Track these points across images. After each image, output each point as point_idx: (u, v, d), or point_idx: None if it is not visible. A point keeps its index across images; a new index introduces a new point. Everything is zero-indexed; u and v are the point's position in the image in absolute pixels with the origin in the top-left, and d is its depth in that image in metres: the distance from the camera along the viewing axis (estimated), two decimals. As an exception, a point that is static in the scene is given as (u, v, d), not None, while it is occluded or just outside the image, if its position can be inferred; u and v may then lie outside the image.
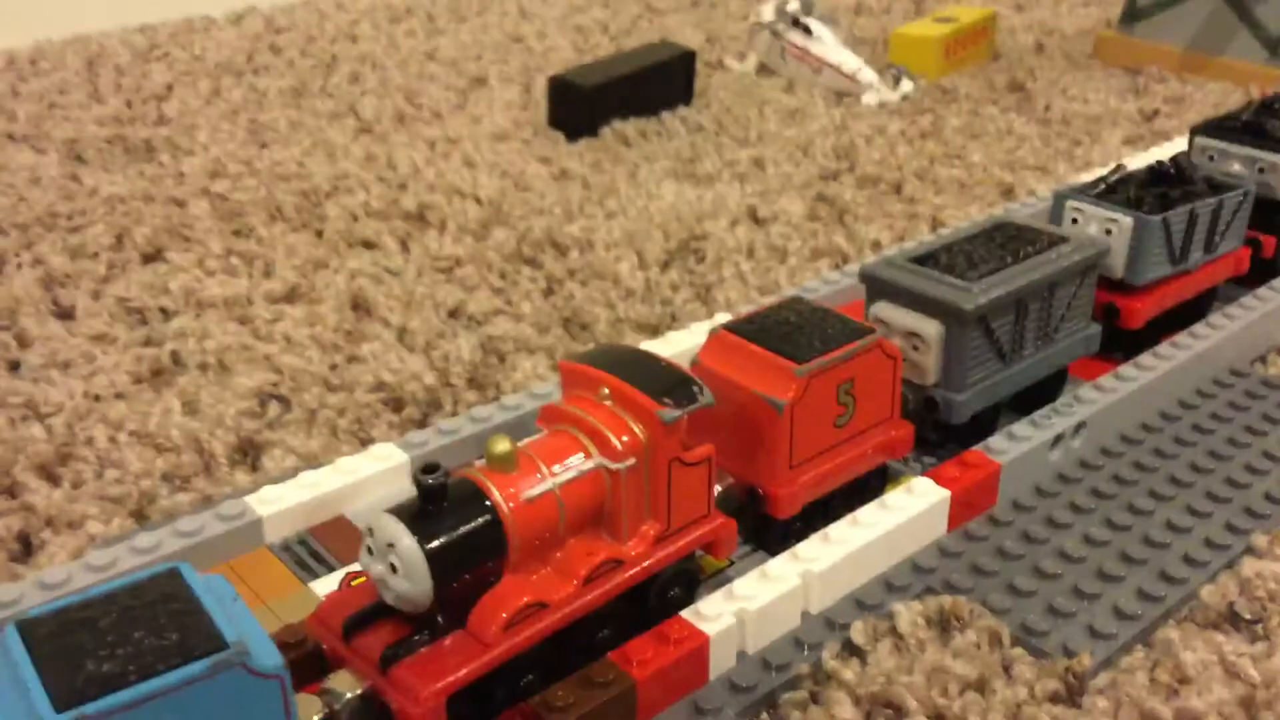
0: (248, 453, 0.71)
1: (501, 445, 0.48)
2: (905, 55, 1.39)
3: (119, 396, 0.76)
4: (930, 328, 0.63)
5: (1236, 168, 0.85)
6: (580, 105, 1.21)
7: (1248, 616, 0.56)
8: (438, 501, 0.46)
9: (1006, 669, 0.53)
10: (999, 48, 1.50)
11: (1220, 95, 1.31)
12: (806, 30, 1.37)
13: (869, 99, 1.31)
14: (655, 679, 0.49)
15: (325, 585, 0.55)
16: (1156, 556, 0.59)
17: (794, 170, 1.11)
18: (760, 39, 1.41)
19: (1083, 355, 0.71)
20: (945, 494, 0.60)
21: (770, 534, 0.58)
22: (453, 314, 0.86)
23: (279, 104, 1.30)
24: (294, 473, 0.64)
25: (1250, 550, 0.60)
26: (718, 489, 0.55)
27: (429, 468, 0.46)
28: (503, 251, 0.95)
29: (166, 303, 0.87)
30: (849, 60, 1.34)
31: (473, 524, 0.46)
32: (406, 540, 0.45)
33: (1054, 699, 0.51)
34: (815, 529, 0.57)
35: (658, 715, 0.50)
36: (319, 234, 0.99)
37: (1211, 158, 0.86)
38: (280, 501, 0.59)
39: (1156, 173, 0.78)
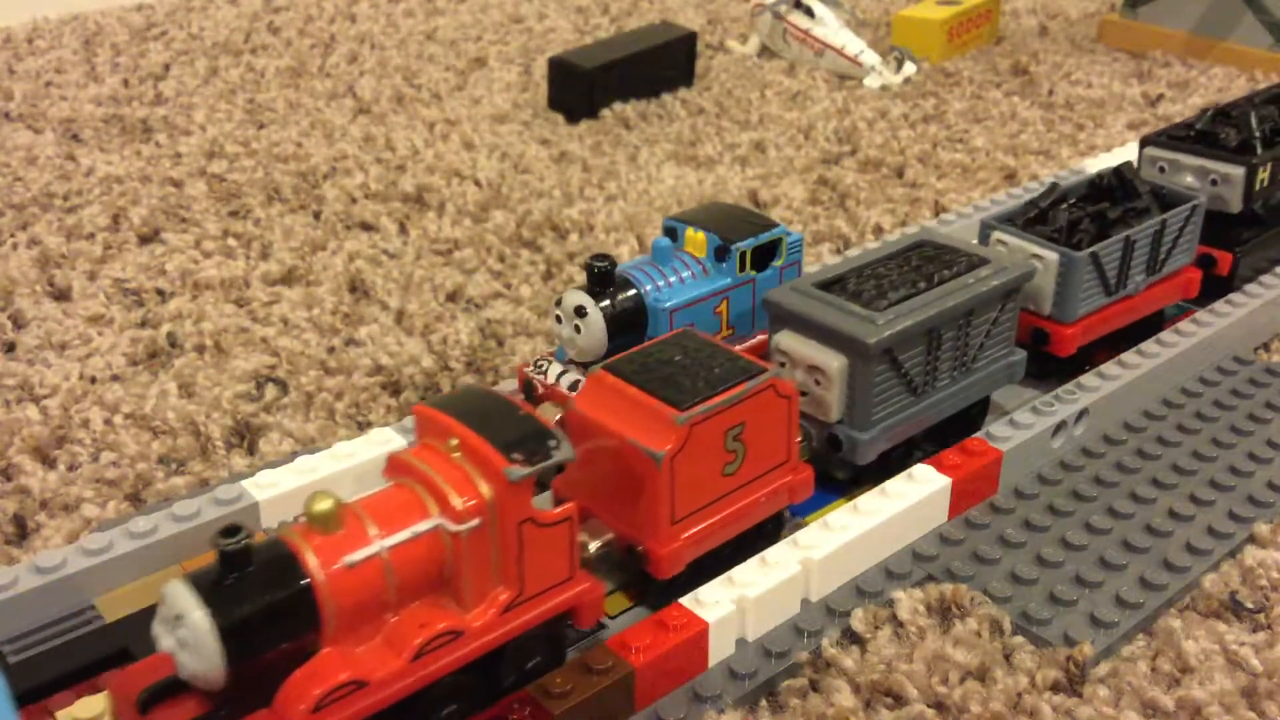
0: (244, 436, 0.70)
1: (322, 503, 0.43)
2: (908, 38, 1.38)
3: (115, 378, 0.75)
4: (832, 361, 0.58)
5: (1189, 180, 0.79)
6: (580, 87, 1.20)
7: (1250, 605, 0.56)
8: (240, 568, 0.41)
9: (1007, 657, 0.53)
10: (1002, 31, 1.50)
11: (1225, 80, 1.31)
12: (809, 12, 1.36)
13: (871, 82, 1.30)
14: (654, 666, 0.49)
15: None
16: (1158, 545, 0.59)
17: (795, 154, 1.11)
18: (762, 21, 1.40)
19: (1006, 384, 0.66)
20: (946, 481, 0.59)
21: (649, 593, 0.54)
22: (451, 297, 0.86)
23: (277, 84, 1.29)
24: (291, 456, 0.63)
25: (1253, 539, 0.60)
26: (596, 545, 0.52)
27: (229, 530, 0.41)
28: (502, 234, 0.94)
29: (163, 284, 0.87)
30: (851, 43, 1.33)
31: (278, 594, 0.41)
32: (196, 614, 0.40)
33: (1055, 688, 0.51)
34: (704, 581, 0.53)
35: (657, 702, 0.50)
36: (317, 215, 0.98)
37: (1162, 169, 0.80)
38: (277, 486, 0.59)
39: (1098, 187, 0.73)
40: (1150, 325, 0.75)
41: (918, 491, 0.58)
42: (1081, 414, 0.66)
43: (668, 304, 0.63)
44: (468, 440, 0.45)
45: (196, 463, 0.68)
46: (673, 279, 0.64)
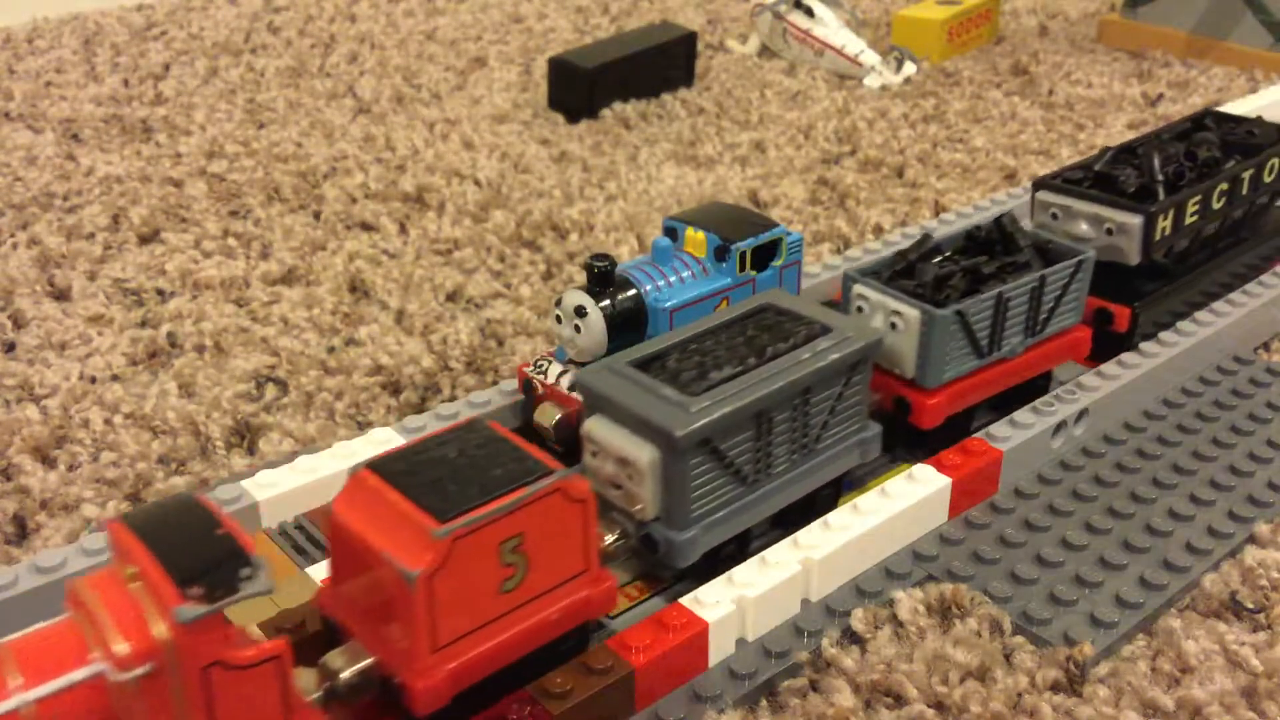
0: (244, 436, 0.70)
1: None
2: (908, 38, 1.38)
3: (115, 378, 0.75)
4: (641, 454, 0.50)
5: (1084, 228, 0.71)
6: (580, 87, 1.20)
7: (1250, 605, 0.56)
8: None
9: (1007, 657, 0.53)
10: (1002, 30, 1.50)
11: (1224, 79, 1.31)
12: (809, 12, 1.36)
13: (871, 82, 1.30)
14: (654, 665, 0.49)
15: (322, 570, 0.55)
16: (1158, 545, 0.59)
17: (795, 153, 1.11)
18: (762, 21, 1.40)
19: (860, 461, 0.59)
20: (946, 481, 0.59)
21: None
22: (451, 297, 0.86)
23: (277, 84, 1.29)
24: (291, 456, 0.63)
25: (1253, 539, 0.60)
26: (350, 673, 0.44)
27: None
28: (502, 234, 0.94)
29: (163, 284, 0.87)
30: (851, 43, 1.33)
31: None
32: None
33: (1055, 688, 0.51)
34: (485, 709, 0.47)
35: (657, 702, 0.50)
36: (317, 215, 0.98)
37: (1055, 215, 0.72)
38: (277, 486, 0.59)
39: (976, 239, 0.67)
40: (1036, 388, 0.68)
41: (918, 491, 0.58)
42: (1081, 414, 0.66)
43: (668, 304, 0.63)
44: (147, 568, 0.38)
45: (196, 463, 0.68)
46: (673, 279, 0.64)
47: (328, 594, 0.48)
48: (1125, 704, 0.50)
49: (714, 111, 1.22)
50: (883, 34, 1.47)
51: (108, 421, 0.71)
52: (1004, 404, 0.66)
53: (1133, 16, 1.43)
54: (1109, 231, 0.70)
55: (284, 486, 0.59)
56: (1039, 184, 0.74)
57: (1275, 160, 0.77)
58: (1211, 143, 0.77)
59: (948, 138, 1.15)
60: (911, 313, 0.60)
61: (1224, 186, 0.73)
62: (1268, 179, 0.78)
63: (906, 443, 0.64)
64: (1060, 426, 0.65)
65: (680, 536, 0.52)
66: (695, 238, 0.66)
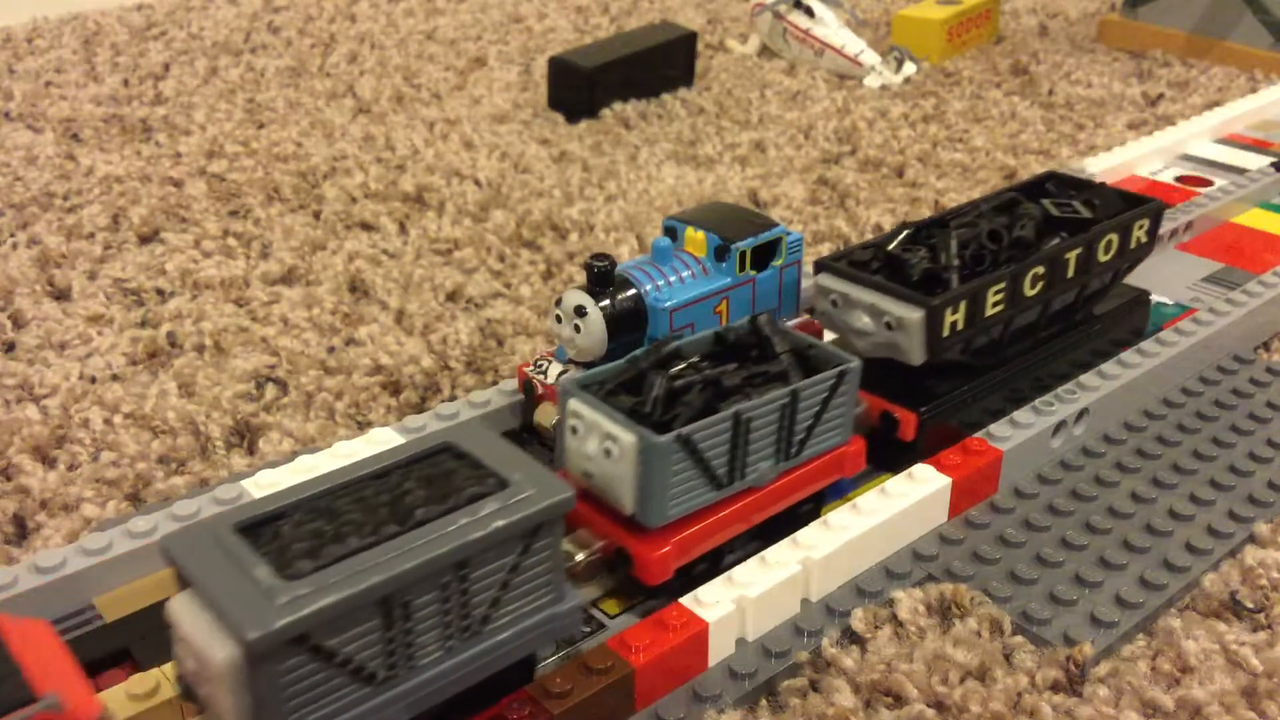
0: (244, 436, 0.70)
1: None
2: (908, 38, 1.38)
3: (115, 378, 0.75)
4: (218, 652, 0.38)
5: (865, 320, 0.61)
6: (580, 87, 1.20)
7: (1250, 605, 0.56)
8: None
9: (1007, 657, 0.53)
10: (1002, 30, 1.49)
11: (1224, 79, 1.30)
12: (809, 12, 1.36)
13: (871, 82, 1.30)
14: (654, 665, 0.49)
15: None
16: (1158, 544, 0.59)
17: (795, 153, 1.11)
18: (762, 21, 1.40)
19: (551, 640, 0.47)
20: (946, 481, 0.59)
21: None
22: (451, 297, 0.85)
23: (277, 84, 1.29)
24: (291, 456, 0.63)
25: (1253, 539, 0.60)
26: None
27: None
28: (502, 234, 0.94)
29: (163, 284, 0.87)
30: (851, 42, 1.33)
31: None
32: None
33: (1055, 687, 0.51)
34: None
35: (657, 702, 0.50)
36: (317, 215, 0.98)
37: (835, 303, 0.62)
38: (277, 486, 0.59)
39: (726, 342, 0.57)
40: (800, 516, 0.58)
41: (918, 491, 0.58)
42: (1081, 414, 0.66)
43: (667, 303, 0.63)
44: None
45: (196, 462, 0.68)
46: (672, 279, 0.64)
47: None
48: (1125, 704, 0.50)
49: (714, 111, 1.22)
50: (883, 34, 1.47)
51: (108, 421, 0.71)
52: (764, 534, 0.56)
53: (1133, 16, 1.43)
54: (889, 326, 0.60)
55: (284, 486, 0.59)
56: (820, 265, 0.63)
57: (1112, 236, 0.66)
58: (1032, 217, 0.65)
59: (948, 137, 1.15)
60: (627, 438, 0.49)
61: (1039, 270, 0.63)
62: (1104, 258, 0.66)
63: (650, 594, 0.55)
64: (1060, 426, 0.65)
65: None
66: (695, 237, 0.66)
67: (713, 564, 0.55)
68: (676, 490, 0.51)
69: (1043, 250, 0.64)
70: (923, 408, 0.62)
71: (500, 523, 0.43)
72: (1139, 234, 0.68)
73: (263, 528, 0.43)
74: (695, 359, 0.56)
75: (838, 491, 0.61)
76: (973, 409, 0.65)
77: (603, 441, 0.50)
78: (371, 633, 0.41)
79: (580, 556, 0.51)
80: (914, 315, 0.59)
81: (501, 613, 0.45)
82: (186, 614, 0.40)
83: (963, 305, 0.60)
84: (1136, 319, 0.75)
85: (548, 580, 0.46)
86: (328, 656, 0.40)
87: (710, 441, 0.51)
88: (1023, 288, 0.63)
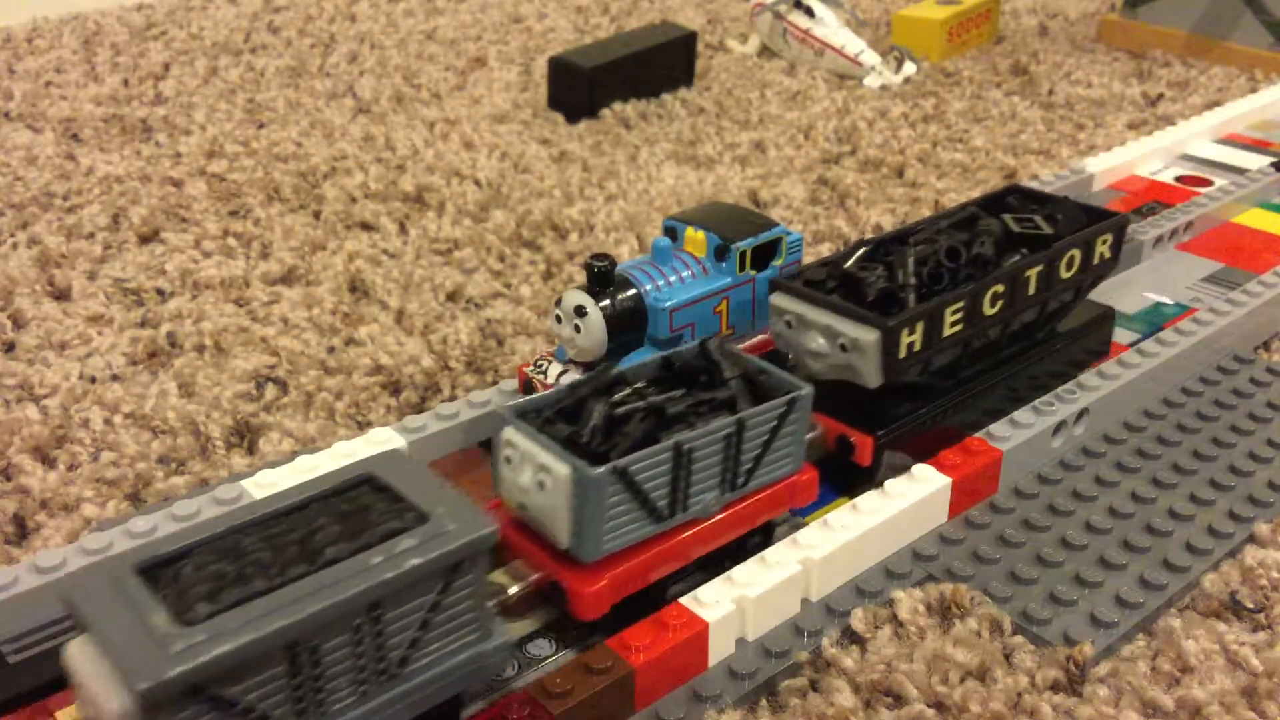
0: (244, 436, 0.70)
1: None
2: (908, 38, 1.38)
3: (115, 378, 0.75)
4: (110, 701, 0.37)
5: (818, 343, 0.59)
6: (580, 87, 1.20)
7: (1250, 605, 0.56)
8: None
9: (1007, 657, 0.53)
10: (1002, 30, 1.50)
11: (1224, 80, 1.31)
12: (809, 12, 1.36)
13: (871, 82, 1.30)
14: (654, 665, 0.49)
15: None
16: (1158, 544, 0.59)
17: (795, 153, 1.11)
18: (762, 21, 1.40)
19: (476, 680, 0.46)
20: (946, 481, 0.59)
21: None
22: (451, 297, 0.85)
23: (277, 84, 1.29)
24: (291, 456, 0.63)
25: (1253, 539, 0.60)
26: None
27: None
28: (502, 234, 0.94)
29: (163, 284, 0.87)
30: (851, 42, 1.33)
31: None
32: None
33: (1055, 687, 0.51)
34: None
35: (657, 702, 0.50)
36: (317, 215, 0.98)
37: (789, 324, 0.60)
38: (277, 486, 0.59)
39: (674, 367, 0.55)
40: (749, 548, 0.56)
41: (918, 491, 0.58)
42: (1081, 413, 0.66)
43: (667, 303, 0.63)
44: None
45: (196, 462, 0.68)
46: (673, 278, 0.64)
47: None
48: (1125, 704, 0.50)
49: (714, 111, 1.22)
50: (883, 34, 1.47)
51: (108, 421, 0.71)
52: (710, 564, 0.54)
53: (1133, 16, 1.43)
54: (843, 348, 0.58)
55: (284, 487, 0.59)
56: (774, 285, 0.62)
57: (1074, 253, 0.65)
58: (992, 233, 0.64)
59: (948, 137, 1.15)
60: (560, 470, 0.48)
61: (998, 289, 0.61)
62: (1066, 274, 0.65)
63: (592, 631, 0.53)
64: (1060, 426, 0.65)
65: None
66: (695, 237, 0.66)
67: (656, 598, 0.52)
68: (612, 524, 0.49)
69: (1003, 268, 0.62)
70: (879, 431, 0.60)
71: (416, 560, 0.41)
72: (1102, 249, 0.67)
73: (164, 569, 0.41)
74: (640, 384, 0.54)
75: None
76: (931, 432, 0.62)
77: (536, 473, 0.48)
78: (276, 679, 0.39)
79: (514, 589, 0.49)
80: (869, 337, 0.57)
81: (422, 653, 0.43)
82: (84, 660, 0.39)
83: (920, 326, 0.58)
84: (1099, 338, 0.72)
85: (472, 618, 0.44)
86: (228, 706, 0.38)
87: (649, 473, 0.49)
88: (982, 306, 0.61)
